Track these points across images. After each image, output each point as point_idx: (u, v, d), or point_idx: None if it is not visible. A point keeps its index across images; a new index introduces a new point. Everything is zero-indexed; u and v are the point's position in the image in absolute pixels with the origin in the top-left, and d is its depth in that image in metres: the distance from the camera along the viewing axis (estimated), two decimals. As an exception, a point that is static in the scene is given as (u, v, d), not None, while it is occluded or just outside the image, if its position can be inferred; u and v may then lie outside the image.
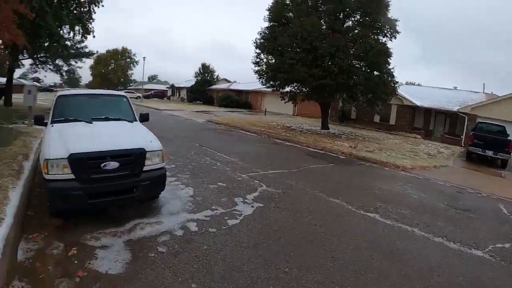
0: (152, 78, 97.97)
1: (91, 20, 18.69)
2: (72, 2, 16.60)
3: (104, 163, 3.86)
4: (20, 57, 21.17)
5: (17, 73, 56.04)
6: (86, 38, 19.74)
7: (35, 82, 61.77)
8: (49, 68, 30.09)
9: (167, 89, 66.02)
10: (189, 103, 44.56)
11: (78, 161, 3.76)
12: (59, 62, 29.55)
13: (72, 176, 3.77)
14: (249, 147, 11.01)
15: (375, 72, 16.40)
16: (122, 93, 6.40)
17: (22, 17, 10.29)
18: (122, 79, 77.32)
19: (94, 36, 19.04)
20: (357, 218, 5.26)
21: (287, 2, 18.82)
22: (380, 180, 8.38)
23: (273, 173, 7.47)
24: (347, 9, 17.00)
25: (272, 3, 18.72)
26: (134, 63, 75.20)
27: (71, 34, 20.14)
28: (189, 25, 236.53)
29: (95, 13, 18.06)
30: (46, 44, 16.30)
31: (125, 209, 4.53)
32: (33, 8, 11.69)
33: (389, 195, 6.88)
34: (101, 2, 17.62)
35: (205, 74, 48.70)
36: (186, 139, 11.36)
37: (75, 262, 3.26)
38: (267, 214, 4.99)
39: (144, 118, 5.69)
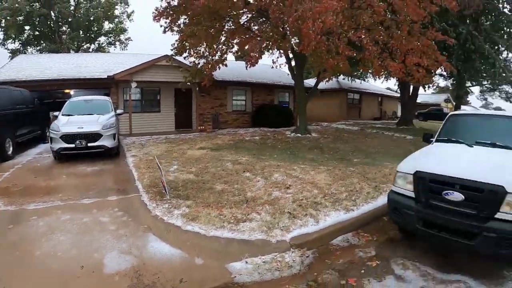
0: None
1: None
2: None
3: (447, 191, 3.35)
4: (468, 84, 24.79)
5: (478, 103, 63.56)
6: None
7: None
8: (498, 96, 31.56)
9: None
10: None
11: (420, 180, 3.58)
12: (508, 88, 29.51)
13: (412, 194, 3.67)
14: None
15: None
16: None
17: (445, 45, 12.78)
18: None
19: None
20: None
21: None
22: None
23: None
24: None
25: None
26: None
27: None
28: None
29: None
30: (483, 68, 16.01)
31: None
32: (459, 34, 13.57)
33: None
34: None
35: None
36: None
37: (362, 271, 3.35)
38: None
39: None
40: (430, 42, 10.63)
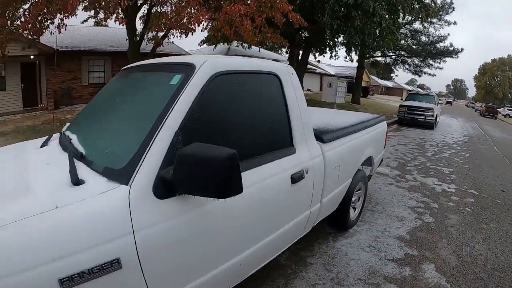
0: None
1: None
2: None
3: None
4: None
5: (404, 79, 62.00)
6: (425, 21, 16.54)
7: (418, 89, 61.87)
8: (407, 69, 28.33)
9: None
10: None
11: None
12: (418, 62, 27.09)
13: None
14: None
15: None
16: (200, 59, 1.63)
17: None
18: (510, 94, 66.14)
19: (431, 21, 18.19)
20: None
21: None
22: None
23: None
24: None
25: None
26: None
27: (409, 19, 18.01)
28: None
29: None
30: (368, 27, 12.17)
31: None
32: None
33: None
34: None
35: None
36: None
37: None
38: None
39: None
40: None
